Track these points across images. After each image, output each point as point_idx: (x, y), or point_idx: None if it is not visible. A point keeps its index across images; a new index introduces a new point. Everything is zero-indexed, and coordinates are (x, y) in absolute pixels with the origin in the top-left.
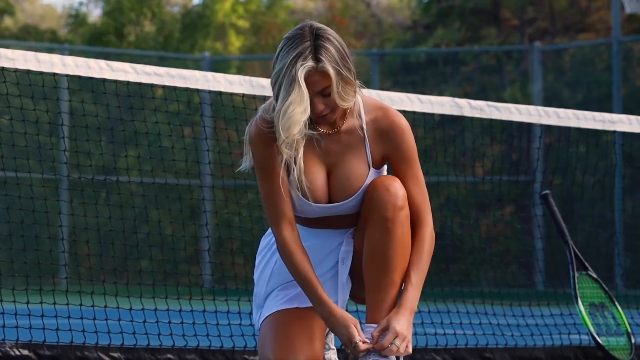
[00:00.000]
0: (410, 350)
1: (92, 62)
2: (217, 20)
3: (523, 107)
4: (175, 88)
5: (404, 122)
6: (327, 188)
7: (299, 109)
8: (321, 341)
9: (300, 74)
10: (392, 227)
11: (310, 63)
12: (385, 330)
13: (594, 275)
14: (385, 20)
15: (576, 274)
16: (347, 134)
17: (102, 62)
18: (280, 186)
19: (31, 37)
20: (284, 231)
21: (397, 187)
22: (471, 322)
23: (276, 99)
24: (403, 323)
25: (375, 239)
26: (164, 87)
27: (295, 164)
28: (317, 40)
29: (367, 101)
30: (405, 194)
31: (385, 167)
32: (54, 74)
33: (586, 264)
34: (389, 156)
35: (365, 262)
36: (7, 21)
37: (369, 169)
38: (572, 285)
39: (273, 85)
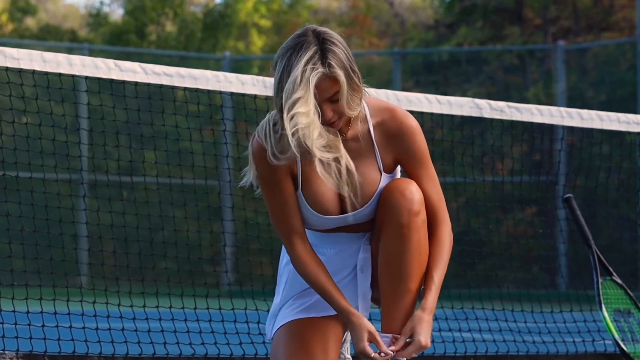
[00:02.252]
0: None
1: (106, 62)
2: (239, 20)
3: (545, 108)
4: (185, 89)
5: (412, 122)
6: (338, 199)
7: (310, 117)
8: (336, 351)
9: (312, 81)
10: (408, 233)
11: (320, 69)
12: (408, 336)
13: (619, 281)
14: (408, 20)
15: (600, 279)
16: (355, 140)
17: (111, 62)
18: (287, 201)
19: (51, 36)
20: (296, 246)
21: (413, 191)
22: (491, 328)
23: (280, 110)
24: (426, 332)
25: (390, 246)
26: (173, 87)
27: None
28: (323, 44)
29: (373, 103)
30: (422, 198)
31: (399, 169)
32: (60, 74)
33: (610, 268)
34: (401, 159)
35: (381, 270)
36: (30, 21)
37: (381, 174)
38: (596, 291)
39: (277, 93)
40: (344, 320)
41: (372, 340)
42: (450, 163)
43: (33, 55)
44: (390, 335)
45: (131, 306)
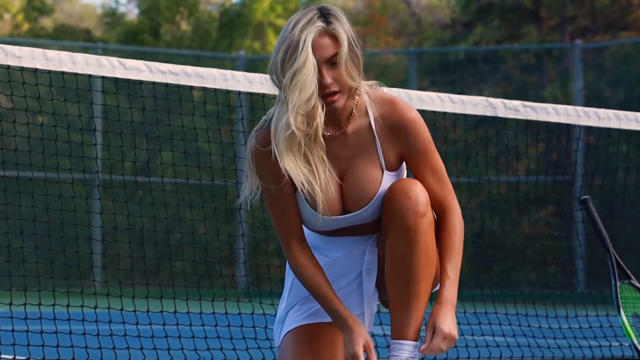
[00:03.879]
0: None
1: (110, 60)
2: (256, 20)
3: (561, 107)
4: (191, 87)
5: (414, 115)
6: (340, 198)
7: (307, 74)
8: (342, 357)
9: (309, 37)
10: (414, 236)
11: (320, 23)
12: (432, 332)
13: (637, 285)
14: (425, 19)
15: (618, 283)
16: (355, 135)
17: (115, 61)
18: (284, 202)
19: (66, 36)
20: (294, 249)
21: (417, 192)
22: (504, 334)
23: (276, 74)
24: (449, 322)
25: (397, 250)
26: (179, 86)
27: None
28: (325, 9)
29: (373, 95)
30: (428, 198)
31: (404, 168)
32: (63, 73)
33: (629, 272)
34: (404, 153)
35: (388, 275)
36: (46, 21)
37: (383, 172)
38: (614, 295)
39: (275, 54)
40: (339, 327)
41: (367, 349)
42: (465, 163)
43: (35, 53)
44: (402, 341)
45: (134, 311)
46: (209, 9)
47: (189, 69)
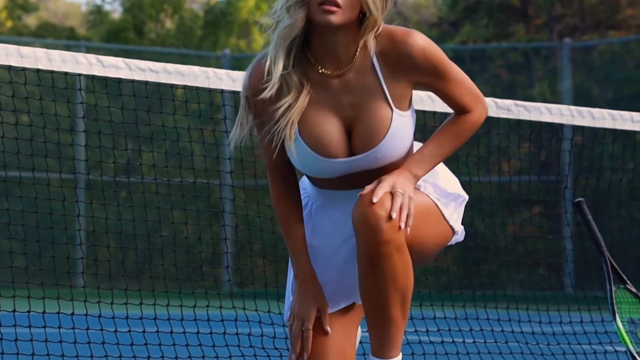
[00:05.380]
0: (412, 211)
1: (87, 57)
2: (241, 18)
3: (554, 107)
4: (172, 86)
5: (419, 41)
6: (344, 140)
7: None
8: (355, 335)
9: None
10: (378, 263)
11: None
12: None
13: (633, 289)
14: (411, 18)
15: (613, 288)
16: (358, 73)
17: (92, 58)
18: (271, 135)
19: (50, 34)
20: (274, 182)
21: (377, 218)
22: (496, 338)
23: None
24: (396, 178)
25: (363, 278)
26: (159, 84)
27: (290, 110)
28: None
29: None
30: (392, 223)
31: (413, 111)
32: (38, 71)
33: (624, 276)
34: (419, 82)
35: (361, 295)
36: (31, 19)
37: (392, 111)
38: (610, 300)
39: None
40: (295, 278)
41: (320, 313)
42: (455, 163)
43: (9, 50)
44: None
45: (125, 303)
46: (193, 7)
47: (170, 66)
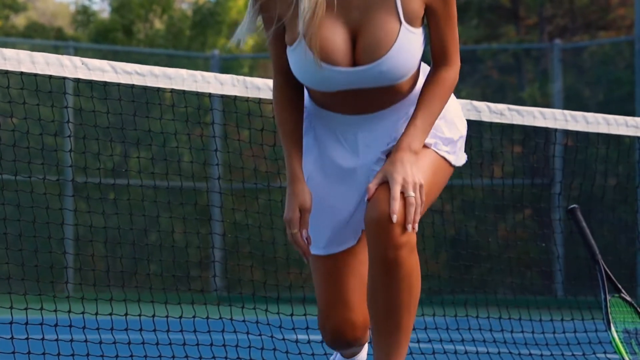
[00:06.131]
0: (423, 197)
1: (72, 60)
2: (230, 18)
3: (548, 111)
4: (158, 89)
5: None
6: (348, 46)
7: None
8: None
9: None
10: (393, 267)
11: None
12: (379, 182)
13: (628, 298)
14: None
15: (608, 297)
16: None
17: (77, 60)
18: (278, 34)
19: (38, 34)
20: (277, 82)
21: (393, 222)
22: (485, 339)
23: None
24: (402, 168)
25: (376, 281)
26: (145, 88)
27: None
28: None
29: None
30: (406, 229)
31: (421, 31)
32: (21, 74)
33: (619, 285)
34: (430, 3)
35: (369, 301)
36: (20, 19)
37: (400, 24)
38: (604, 309)
39: None
40: (287, 181)
41: (302, 211)
42: None
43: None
44: None
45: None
46: (182, 7)
47: (157, 69)
